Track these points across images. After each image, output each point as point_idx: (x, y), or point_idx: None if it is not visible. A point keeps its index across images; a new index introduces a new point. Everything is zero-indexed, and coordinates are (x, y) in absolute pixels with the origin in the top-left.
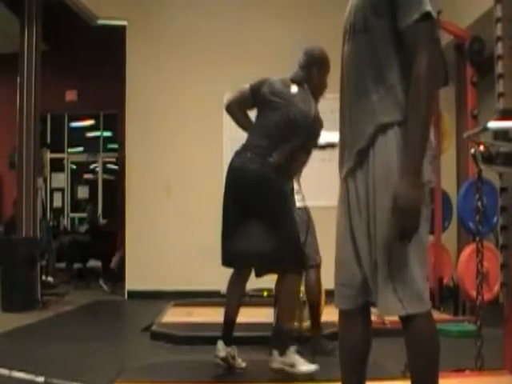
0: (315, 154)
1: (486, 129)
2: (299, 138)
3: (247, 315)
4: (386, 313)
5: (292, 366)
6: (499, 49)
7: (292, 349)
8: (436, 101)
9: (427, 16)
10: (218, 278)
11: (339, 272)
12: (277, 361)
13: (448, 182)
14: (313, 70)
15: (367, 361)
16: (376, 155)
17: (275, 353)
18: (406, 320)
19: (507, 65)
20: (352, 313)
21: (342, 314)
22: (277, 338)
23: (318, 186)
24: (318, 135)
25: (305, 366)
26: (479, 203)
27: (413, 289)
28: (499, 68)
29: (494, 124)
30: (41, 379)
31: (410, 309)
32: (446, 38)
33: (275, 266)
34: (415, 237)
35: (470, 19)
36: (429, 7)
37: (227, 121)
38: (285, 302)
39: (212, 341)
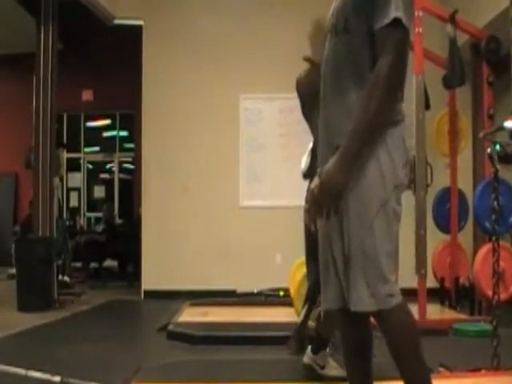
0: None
1: (501, 128)
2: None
3: (263, 315)
4: (359, 308)
5: (322, 367)
6: None
7: (327, 351)
8: (392, 104)
9: (396, 22)
10: (234, 277)
11: (321, 272)
12: (309, 356)
13: (464, 182)
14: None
15: (370, 358)
16: None
17: (309, 348)
18: (379, 315)
19: None
20: (342, 312)
21: (336, 314)
22: (315, 339)
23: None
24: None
25: (334, 370)
26: (495, 203)
27: (384, 283)
28: None
29: (510, 123)
30: (57, 379)
31: (382, 304)
32: (462, 38)
33: None
34: (384, 233)
35: (486, 19)
36: (399, 13)
37: (243, 121)
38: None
39: (228, 340)
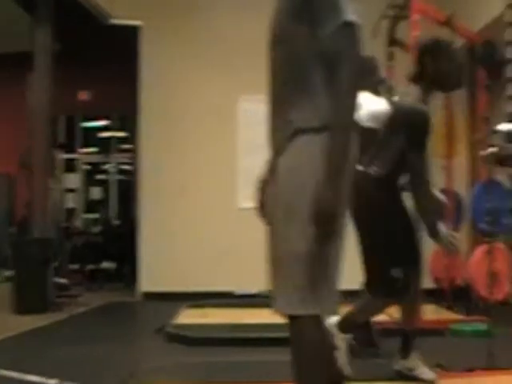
0: None
1: (495, 132)
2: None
3: (262, 316)
4: (276, 306)
5: (410, 370)
6: (510, 53)
7: (415, 354)
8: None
9: (348, 25)
10: (232, 279)
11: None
12: (398, 363)
13: (460, 184)
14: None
15: None
16: (281, 158)
17: (398, 355)
18: (290, 319)
19: None
20: None
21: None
22: (401, 341)
23: None
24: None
25: (424, 372)
26: (490, 205)
27: (294, 289)
28: (509, 72)
29: (503, 127)
30: (53, 382)
31: (290, 309)
32: (457, 42)
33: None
34: (300, 238)
35: (481, 23)
36: (349, 16)
37: (241, 123)
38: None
39: (226, 342)
